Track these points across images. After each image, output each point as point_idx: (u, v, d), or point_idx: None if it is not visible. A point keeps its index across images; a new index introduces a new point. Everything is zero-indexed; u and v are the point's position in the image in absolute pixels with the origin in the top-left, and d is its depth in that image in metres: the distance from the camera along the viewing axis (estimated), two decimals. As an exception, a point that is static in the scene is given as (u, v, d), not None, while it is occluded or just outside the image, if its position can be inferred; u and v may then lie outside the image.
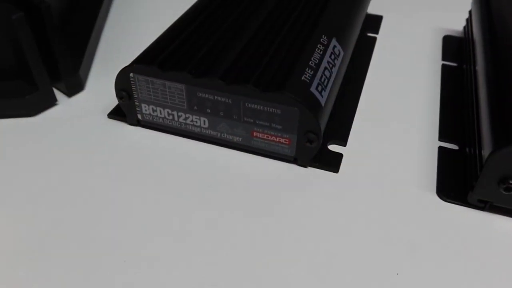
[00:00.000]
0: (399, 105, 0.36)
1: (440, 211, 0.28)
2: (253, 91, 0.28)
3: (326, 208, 0.28)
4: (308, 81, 0.29)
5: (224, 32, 0.33)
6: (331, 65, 0.32)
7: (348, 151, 0.32)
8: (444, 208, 0.28)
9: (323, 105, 0.29)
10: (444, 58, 0.42)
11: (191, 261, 0.25)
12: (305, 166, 0.31)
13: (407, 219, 0.28)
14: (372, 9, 0.49)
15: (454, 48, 0.43)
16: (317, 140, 0.29)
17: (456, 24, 0.46)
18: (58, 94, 0.36)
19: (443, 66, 0.41)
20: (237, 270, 0.24)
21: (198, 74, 0.29)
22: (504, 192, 0.26)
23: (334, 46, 0.33)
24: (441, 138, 0.33)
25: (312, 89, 0.29)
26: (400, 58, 0.42)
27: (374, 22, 0.47)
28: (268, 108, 0.28)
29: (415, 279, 0.24)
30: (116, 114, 0.35)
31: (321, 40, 0.33)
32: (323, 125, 0.29)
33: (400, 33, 0.45)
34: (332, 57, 0.33)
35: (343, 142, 0.32)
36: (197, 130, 0.32)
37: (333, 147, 0.32)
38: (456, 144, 0.33)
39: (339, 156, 0.31)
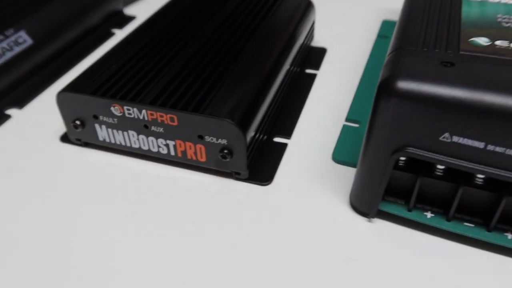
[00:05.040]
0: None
1: (56, 150, 0.39)
2: None
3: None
4: (-33, 59, 0.40)
5: None
6: (4, 50, 0.43)
7: (26, 113, 0.43)
8: (60, 148, 0.39)
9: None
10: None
11: None
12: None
13: (32, 160, 0.38)
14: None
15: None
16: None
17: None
18: None
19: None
20: None
21: None
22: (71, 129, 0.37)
23: (20, 37, 0.45)
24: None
25: (-32, 65, 0.40)
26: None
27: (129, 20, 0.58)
28: None
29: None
30: None
31: (6, 32, 0.44)
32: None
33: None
34: (11, 44, 0.44)
35: (19, 106, 0.43)
36: None
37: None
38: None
39: None
